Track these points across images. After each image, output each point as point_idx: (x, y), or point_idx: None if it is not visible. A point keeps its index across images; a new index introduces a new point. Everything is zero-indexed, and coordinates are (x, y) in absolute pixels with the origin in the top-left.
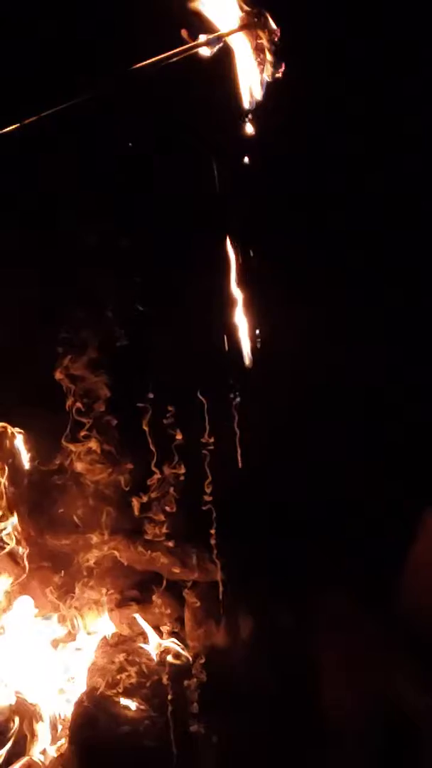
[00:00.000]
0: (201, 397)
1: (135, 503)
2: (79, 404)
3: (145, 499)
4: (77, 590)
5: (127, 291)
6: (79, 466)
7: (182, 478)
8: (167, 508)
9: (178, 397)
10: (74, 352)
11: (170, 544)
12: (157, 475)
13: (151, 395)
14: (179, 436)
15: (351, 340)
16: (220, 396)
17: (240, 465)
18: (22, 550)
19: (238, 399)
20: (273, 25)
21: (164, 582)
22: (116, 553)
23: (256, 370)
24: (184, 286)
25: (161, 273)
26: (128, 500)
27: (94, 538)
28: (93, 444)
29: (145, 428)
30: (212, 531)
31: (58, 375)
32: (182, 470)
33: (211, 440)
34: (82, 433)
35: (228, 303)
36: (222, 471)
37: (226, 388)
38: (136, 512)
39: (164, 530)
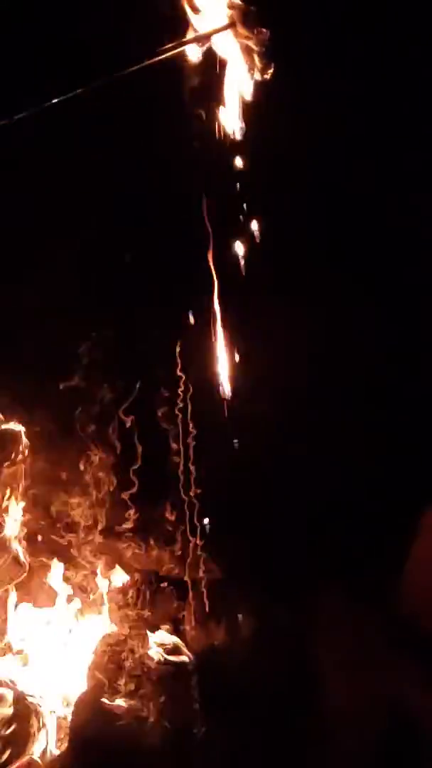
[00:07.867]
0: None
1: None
2: None
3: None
4: (77, 590)
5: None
6: None
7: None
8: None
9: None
10: None
11: (170, 543)
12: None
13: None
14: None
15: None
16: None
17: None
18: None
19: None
20: (261, 26)
21: (164, 581)
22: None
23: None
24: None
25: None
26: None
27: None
28: None
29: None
30: (213, 531)
31: None
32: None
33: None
34: None
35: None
36: (222, 470)
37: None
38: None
39: (163, 530)
